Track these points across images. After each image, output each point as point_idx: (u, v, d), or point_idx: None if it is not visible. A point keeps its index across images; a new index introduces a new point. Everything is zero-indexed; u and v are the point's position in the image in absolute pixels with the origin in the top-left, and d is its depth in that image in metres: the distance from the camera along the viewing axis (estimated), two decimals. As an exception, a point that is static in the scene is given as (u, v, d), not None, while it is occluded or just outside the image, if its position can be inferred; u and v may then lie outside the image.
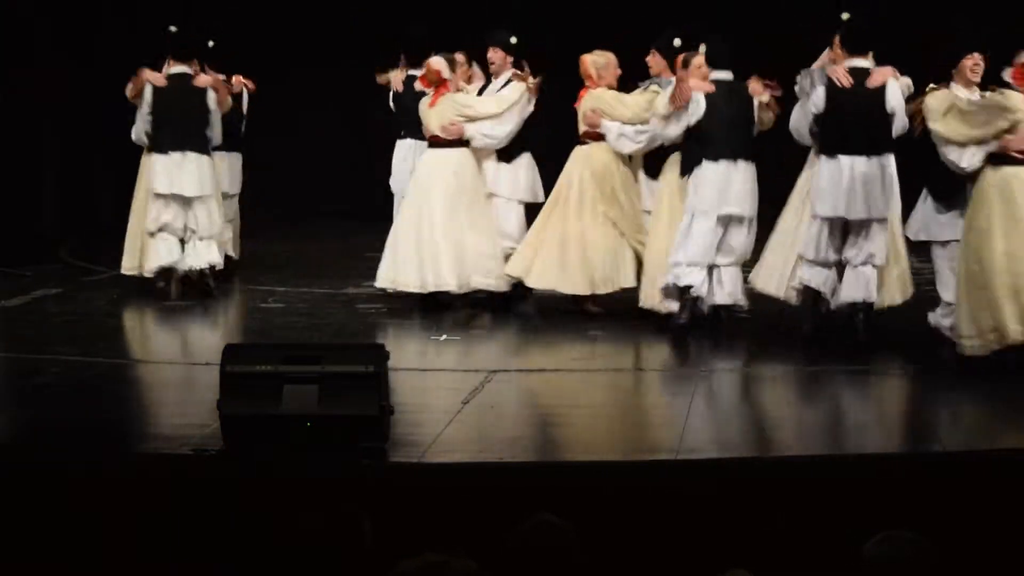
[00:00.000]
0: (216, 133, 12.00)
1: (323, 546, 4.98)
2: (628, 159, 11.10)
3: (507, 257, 11.29)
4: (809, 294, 10.16)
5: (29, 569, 6.30)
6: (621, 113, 10.94)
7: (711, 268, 10.43)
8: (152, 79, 11.88)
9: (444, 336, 10.63)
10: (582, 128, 11.14)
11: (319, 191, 16.50)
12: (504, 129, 11.38)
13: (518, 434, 8.28)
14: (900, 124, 9.88)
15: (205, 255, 11.85)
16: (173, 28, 12.01)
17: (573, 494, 6.70)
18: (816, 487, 6.86)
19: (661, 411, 8.78)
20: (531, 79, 11.37)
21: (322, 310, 11.62)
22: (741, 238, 10.48)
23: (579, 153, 11.17)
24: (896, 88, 9.94)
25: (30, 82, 14.40)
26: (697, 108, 10.39)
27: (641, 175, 11.17)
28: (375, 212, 12.31)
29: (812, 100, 10.01)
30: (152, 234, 11.82)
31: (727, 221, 10.43)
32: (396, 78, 12.12)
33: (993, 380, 8.97)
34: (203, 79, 11.94)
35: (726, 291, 10.47)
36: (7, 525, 6.55)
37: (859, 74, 9.97)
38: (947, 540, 4.75)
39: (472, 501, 6.75)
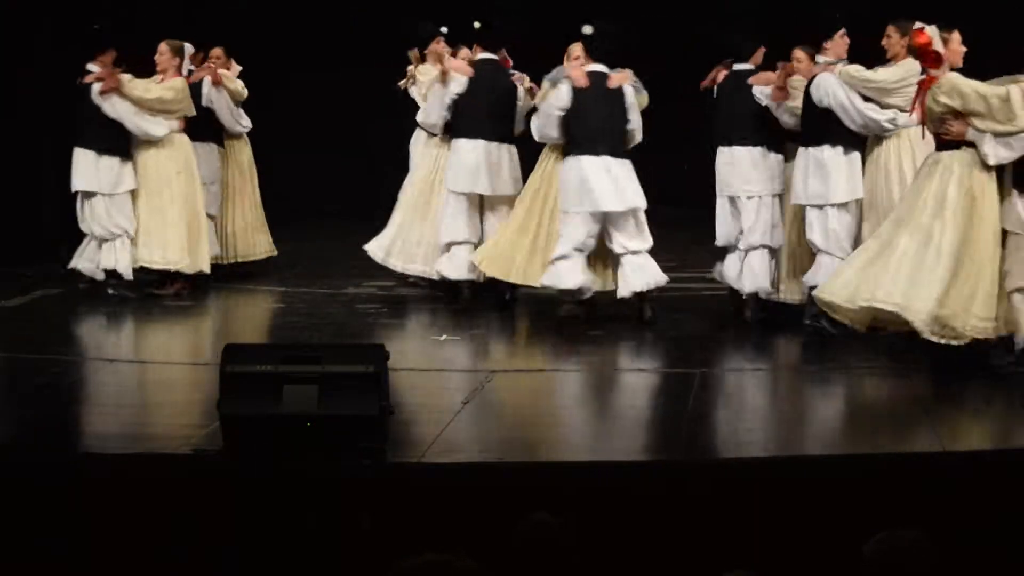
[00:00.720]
0: (130, 125, 11.91)
1: (323, 545, 4.99)
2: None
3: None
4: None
5: (29, 569, 6.30)
6: None
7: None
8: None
9: (444, 336, 10.63)
10: None
11: (319, 191, 16.50)
12: (427, 113, 11.78)
13: (518, 434, 8.28)
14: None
15: (88, 256, 11.97)
16: (96, 26, 12.14)
17: (573, 494, 6.70)
18: (816, 487, 6.86)
19: (661, 411, 8.78)
20: (444, 62, 11.51)
21: (322, 310, 11.62)
22: (749, 221, 10.69)
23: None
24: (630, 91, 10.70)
25: (30, 82, 14.39)
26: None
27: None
28: (375, 212, 12.31)
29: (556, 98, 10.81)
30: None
31: (733, 203, 10.83)
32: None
33: (994, 380, 8.98)
34: (91, 75, 11.94)
35: (754, 278, 10.71)
36: (7, 525, 6.55)
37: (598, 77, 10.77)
38: (947, 540, 4.75)
39: (472, 501, 6.75)
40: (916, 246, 8.97)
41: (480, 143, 11.35)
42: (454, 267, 11.45)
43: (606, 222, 10.73)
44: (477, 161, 11.36)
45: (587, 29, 11.05)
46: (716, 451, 7.83)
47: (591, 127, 10.74)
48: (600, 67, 10.88)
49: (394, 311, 11.48)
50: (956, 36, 9.34)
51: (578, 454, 7.87)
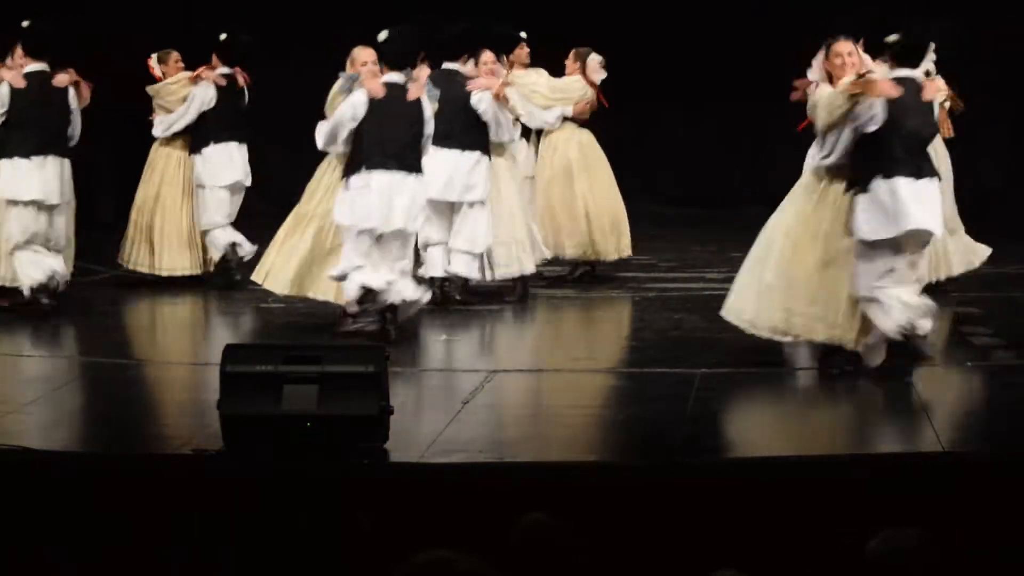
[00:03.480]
0: (76, 133, 11.35)
1: (322, 545, 4.98)
2: None
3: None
4: None
5: (29, 569, 6.30)
6: None
7: None
8: (10, 78, 11.20)
9: (444, 336, 10.63)
10: None
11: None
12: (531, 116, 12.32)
13: (518, 434, 8.28)
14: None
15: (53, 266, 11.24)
16: (25, 23, 11.34)
17: (572, 494, 6.70)
18: (816, 487, 6.85)
19: (661, 411, 8.77)
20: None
21: (322, 310, 11.60)
22: None
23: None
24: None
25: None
26: None
27: None
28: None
29: None
30: (17, 247, 11.12)
31: None
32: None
33: (993, 381, 8.98)
34: (61, 78, 11.32)
35: None
36: (7, 525, 6.55)
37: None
38: (947, 540, 4.75)
39: (472, 501, 6.75)
40: None
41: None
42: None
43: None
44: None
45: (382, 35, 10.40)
46: (716, 451, 7.83)
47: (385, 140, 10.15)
48: (397, 77, 10.23)
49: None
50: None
51: (578, 454, 7.87)
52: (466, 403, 8.60)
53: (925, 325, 8.91)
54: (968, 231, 12.15)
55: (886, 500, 6.57)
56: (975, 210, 15.02)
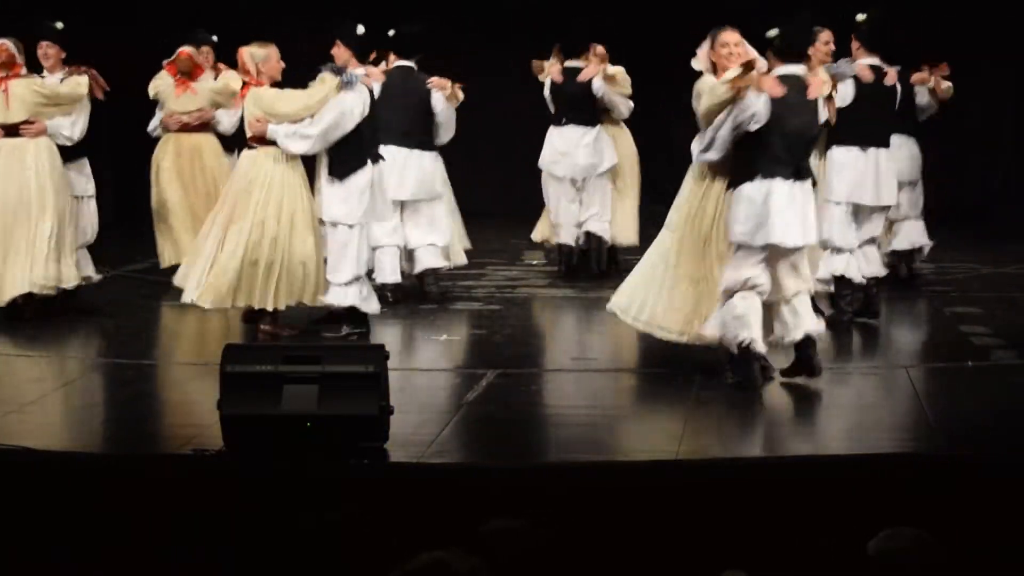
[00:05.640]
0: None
1: (322, 545, 4.99)
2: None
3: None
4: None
5: (29, 569, 6.30)
6: (284, 112, 10.16)
7: None
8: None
9: (444, 336, 10.63)
10: (249, 132, 10.27)
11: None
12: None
13: (518, 434, 8.28)
14: None
15: None
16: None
17: (572, 494, 6.70)
18: (816, 487, 6.86)
19: (661, 411, 8.78)
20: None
21: (321, 310, 11.60)
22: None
23: (245, 157, 10.39)
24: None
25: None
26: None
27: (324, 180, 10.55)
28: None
29: None
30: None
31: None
32: (554, 68, 12.70)
33: (993, 381, 8.98)
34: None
35: None
36: (8, 525, 6.55)
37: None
38: (947, 541, 4.75)
39: (472, 501, 6.75)
40: None
41: (391, 149, 11.25)
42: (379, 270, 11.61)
43: None
44: (396, 167, 11.36)
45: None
46: (716, 451, 7.83)
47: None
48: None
49: (394, 311, 11.47)
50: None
51: (578, 454, 7.87)
52: (466, 403, 8.60)
53: (741, 339, 8.83)
54: (969, 231, 12.17)
55: (886, 500, 6.57)
56: (975, 210, 15.10)
